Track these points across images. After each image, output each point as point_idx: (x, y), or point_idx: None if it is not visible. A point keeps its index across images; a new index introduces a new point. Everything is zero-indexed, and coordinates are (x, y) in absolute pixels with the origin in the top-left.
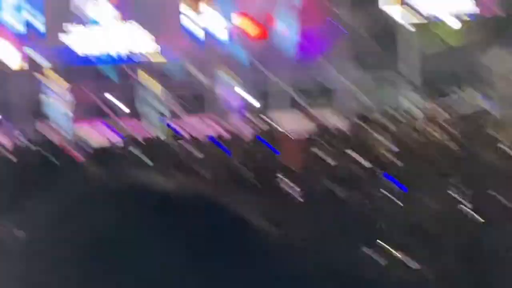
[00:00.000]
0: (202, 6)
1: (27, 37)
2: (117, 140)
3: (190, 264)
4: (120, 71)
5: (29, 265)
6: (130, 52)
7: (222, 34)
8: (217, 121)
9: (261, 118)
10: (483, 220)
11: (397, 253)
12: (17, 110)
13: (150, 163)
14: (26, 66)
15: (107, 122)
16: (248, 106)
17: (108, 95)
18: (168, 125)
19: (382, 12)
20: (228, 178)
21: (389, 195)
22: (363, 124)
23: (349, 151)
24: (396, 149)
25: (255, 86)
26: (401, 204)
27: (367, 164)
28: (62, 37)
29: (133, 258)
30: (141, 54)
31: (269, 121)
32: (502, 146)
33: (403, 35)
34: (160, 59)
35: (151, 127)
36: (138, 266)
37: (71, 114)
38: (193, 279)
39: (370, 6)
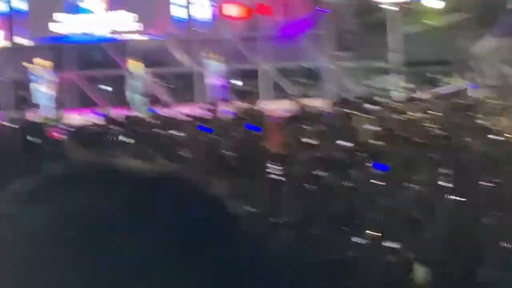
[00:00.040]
0: None
1: (10, 17)
2: (98, 120)
3: (171, 245)
4: (102, 50)
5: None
6: (113, 31)
7: (206, 14)
8: (201, 102)
9: (244, 98)
10: (464, 199)
11: (378, 234)
12: None
13: (130, 142)
14: (8, 45)
15: (89, 102)
16: (232, 86)
17: (91, 75)
18: (150, 107)
19: None
20: (209, 159)
21: (373, 177)
22: (345, 107)
23: (331, 133)
24: (378, 130)
25: (238, 66)
26: (384, 184)
27: (350, 146)
28: (46, 17)
29: (111, 239)
30: (124, 33)
31: (251, 101)
32: (481, 123)
33: (386, 16)
34: (144, 38)
35: (134, 108)
36: (116, 247)
37: (53, 94)
38: (172, 262)
39: None
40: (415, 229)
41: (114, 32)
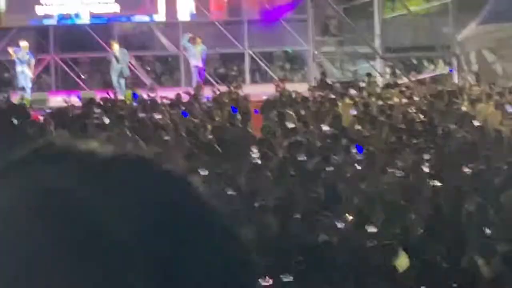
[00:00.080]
0: None
1: None
2: (82, 103)
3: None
4: (87, 33)
5: None
6: (97, 14)
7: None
8: (186, 86)
9: (227, 83)
10: (441, 184)
11: (353, 217)
12: None
13: (108, 123)
14: None
15: (74, 85)
16: (215, 70)
17: (75, 57)
18: (134, 91)
19: None
20: (191, 143)
21: (354, 161)
22: (328, 92)
23: (313, 118)
24: (360, 115)
25: (218, 51)
26: (360, 168)
27: (330, 130)
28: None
29: (84, 218)
30: (107, 15)
31: (235, 86)
32: (463, 109)
33: (369, 1)
34: (128, 21)
35: (118, 91)
36: (92, 228)
37: (31, 75)
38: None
39: None
40: (396, 215)
41: (98, 14)
